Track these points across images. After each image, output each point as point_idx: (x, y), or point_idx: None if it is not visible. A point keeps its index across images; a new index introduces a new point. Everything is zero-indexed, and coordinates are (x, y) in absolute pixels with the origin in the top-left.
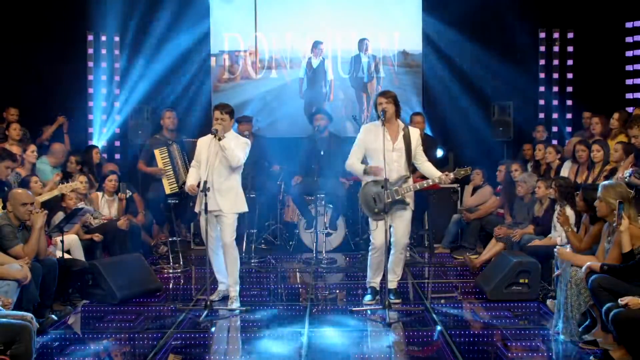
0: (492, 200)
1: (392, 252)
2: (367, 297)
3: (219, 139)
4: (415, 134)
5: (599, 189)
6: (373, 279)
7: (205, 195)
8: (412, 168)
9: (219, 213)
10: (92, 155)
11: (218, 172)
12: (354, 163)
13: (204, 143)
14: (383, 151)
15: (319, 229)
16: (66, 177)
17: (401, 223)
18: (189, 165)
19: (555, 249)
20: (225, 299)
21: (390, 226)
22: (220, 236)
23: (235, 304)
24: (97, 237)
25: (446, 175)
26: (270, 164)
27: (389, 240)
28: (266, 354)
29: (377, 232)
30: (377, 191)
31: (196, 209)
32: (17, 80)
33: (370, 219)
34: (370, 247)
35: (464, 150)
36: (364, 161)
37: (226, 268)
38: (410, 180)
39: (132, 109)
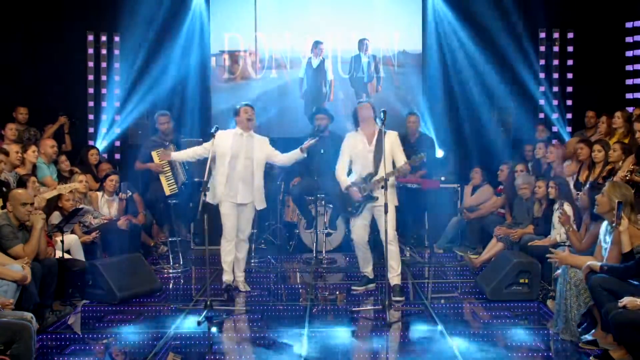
0: (493, 200)
1: (384, 247)
2: (355, 285)
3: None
4: (390, 136)
5: (607, 184)
6: (363, 269)
7: (205, 195)
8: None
9: (245, 206)
10: (88, 156)
11: (244, 167)
12: (340, 174)
13: (226, 137)
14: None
15: (319, 229)
16: (60, 176)
17: (381, 217)
18: (186, 165)
19: (547, 255)
20: (222, 299)
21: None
22: (243, 228)
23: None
24: (94, 236)
25: (405, 163)
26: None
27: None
28: (266, 354)
29: (354, 229)
30: (348, 193)
31: (215, 201)
32: (17, 80)
33: (350, 218)
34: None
35: (464, 150)
36: (350, 169)
37: (240, 259)
38: (377, 177)
39: (132, 109)
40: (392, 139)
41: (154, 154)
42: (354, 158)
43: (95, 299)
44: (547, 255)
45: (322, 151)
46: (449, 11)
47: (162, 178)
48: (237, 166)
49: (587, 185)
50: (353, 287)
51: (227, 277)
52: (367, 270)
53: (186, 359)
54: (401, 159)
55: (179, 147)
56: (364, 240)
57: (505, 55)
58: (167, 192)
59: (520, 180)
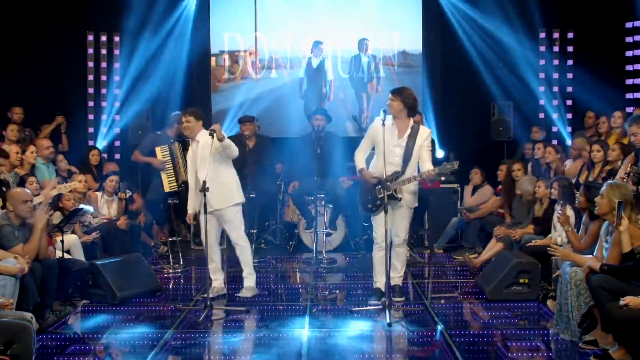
0: (493, 200)
1: (392, 247)
2: (372, 299)
3: (220, 140)
4: (423, 133)
5: (604, 186)
6: (378, 279)
7: (205, 195)
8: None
9: (218, 212)
10: (89, 157)
11: (202, 173)
12: (358, 157)
13: (189, 151)
14: (383, 151)
15: (319, 229)
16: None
17: (398, 220)
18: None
19: (548, 249)
20: (221, 296)
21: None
22: (228, 234)
23: (252, 292)
24: (94, 236)
25: (432, 170)
26: (272, 163)
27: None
28: (266, 354)
29: (377, 228)
30: (372, 187)
31: (192, 210)
32: (17, 80)
33: (371, 216)
34: (374, 244)
35: (464, 150)
36: (370, 155)
37: (240, 261)
38: (403, 178)
39: (132, 109)
40: (424, 137)
41: (157, 149)
42: (376, 146)
43: (95, 299)
44: (548, 249)
45: (318, 151)
46: (449, 10)
47: (163, 174)
48: (199, 175)
49: (582, 186)
50: (370, 303)
51: (215, 285)
52: (381, 280)
53: (186, 359)
54: (427, 162)
55: (184, 147)
56: (385, 240)
57: (505, 55)
58: (167, 189)
59: (527, 178)
